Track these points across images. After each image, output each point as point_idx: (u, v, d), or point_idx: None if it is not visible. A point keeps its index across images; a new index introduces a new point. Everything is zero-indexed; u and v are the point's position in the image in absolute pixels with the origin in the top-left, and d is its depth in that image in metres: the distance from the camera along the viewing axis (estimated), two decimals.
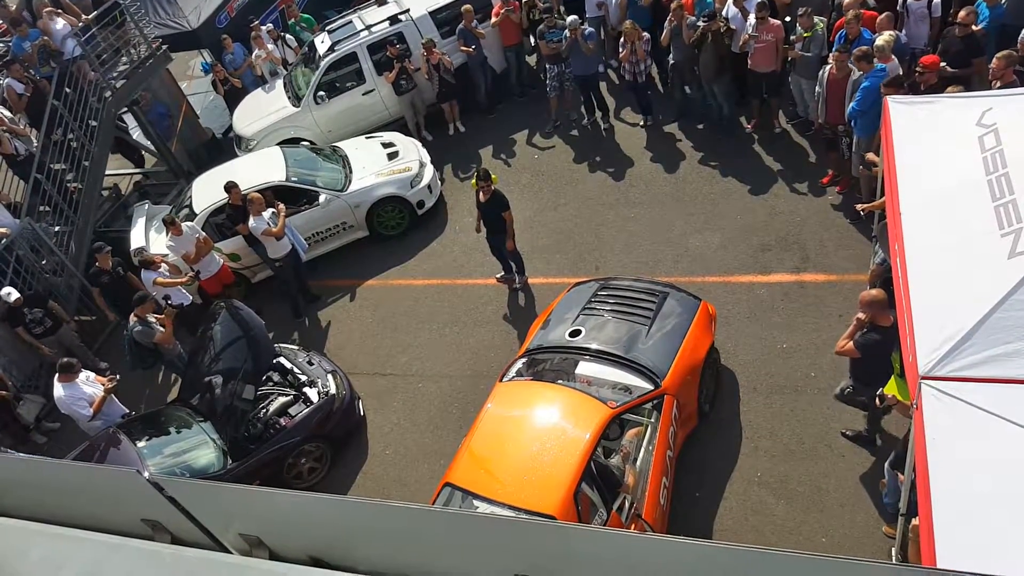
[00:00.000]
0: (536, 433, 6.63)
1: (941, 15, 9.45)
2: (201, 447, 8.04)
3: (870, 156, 8.23)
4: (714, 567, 1.63)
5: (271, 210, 10.05)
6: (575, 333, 7.66)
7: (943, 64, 8.39)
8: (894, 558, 6.13)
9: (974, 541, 4.19)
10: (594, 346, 7.48)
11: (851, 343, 6.37)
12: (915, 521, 5.09)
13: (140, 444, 7.92)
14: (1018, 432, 4.41)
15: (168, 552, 2.01)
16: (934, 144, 6.46)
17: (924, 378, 4.82)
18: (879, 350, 6.21)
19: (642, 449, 6.82)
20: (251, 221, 9.91)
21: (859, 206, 8.39)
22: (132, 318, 9.08)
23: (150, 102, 13.56)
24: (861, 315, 6.32)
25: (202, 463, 7.89)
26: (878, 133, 7.57)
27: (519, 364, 7.65)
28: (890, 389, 6.08)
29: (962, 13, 8.55)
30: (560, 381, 7.24)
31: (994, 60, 7.77)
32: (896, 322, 5.97)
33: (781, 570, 1.57)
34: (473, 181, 9.46)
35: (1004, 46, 8.30)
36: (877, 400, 5.99)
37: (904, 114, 6.92)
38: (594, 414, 6.57)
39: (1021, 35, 8.07)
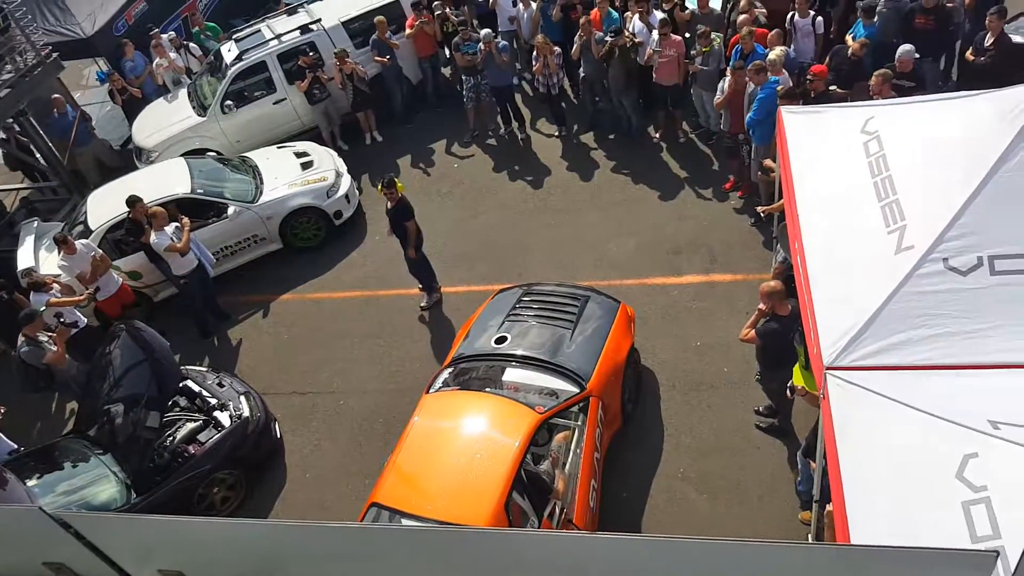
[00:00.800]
0: (465, 444, 6.55)
1: (824, 31, 10.29)
2: (100, 481, 7.50)
3: (767, 162, 8.76)
4: (654, 560, 1.64)
5: (175, 224, 9.59)
6: (501, 340, 7.64)
7: (833, 87, 9.06)
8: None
9: (885, 522, 4.40)
10: (520, 352, 7.47)
11: (752, 331, 6.78)
12: (829, 507, 5.31)
13: (30, 482, 7.32)
14: (915, 415, 4.70)
15: None
16: (824, 150, 6.91)
17: (828, 369, 5.09)
18: (779, 337, 6.58)
19: (570, 453, 6.83)
20: (153, 236, 9.42)
21: (760, 208, 8.92)
22: (20, 337, 8.46)
23: (64, 106, 12.82)
24: (761, 306, 6.67)
25: (102, 499, 7.35)
26: (774, 141, 7.99)
27: (445, 374, 7.56)
28: (798, 380, 6.36)
29: (855, 45, 9.32)
30: (488, 389, 7.19)
31: (873, 78, 8.38)
32: (794, 312, 6.37)
33: (713, 557, 1.61)
34: (379, 187, 9.31)
35: (880, 61, 9.04)
36: (788, 392, 6.24)
37: (796, 123, 7.38)
38: (523, 420, 6.55)
39: (898, 52, 8.78)
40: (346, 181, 11.37)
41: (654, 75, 10.74)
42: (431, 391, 7.37)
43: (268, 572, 1.88)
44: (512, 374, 7.32)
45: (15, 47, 12.09)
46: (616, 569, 1.68)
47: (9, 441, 8.15)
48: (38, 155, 12.96)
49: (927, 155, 6.01)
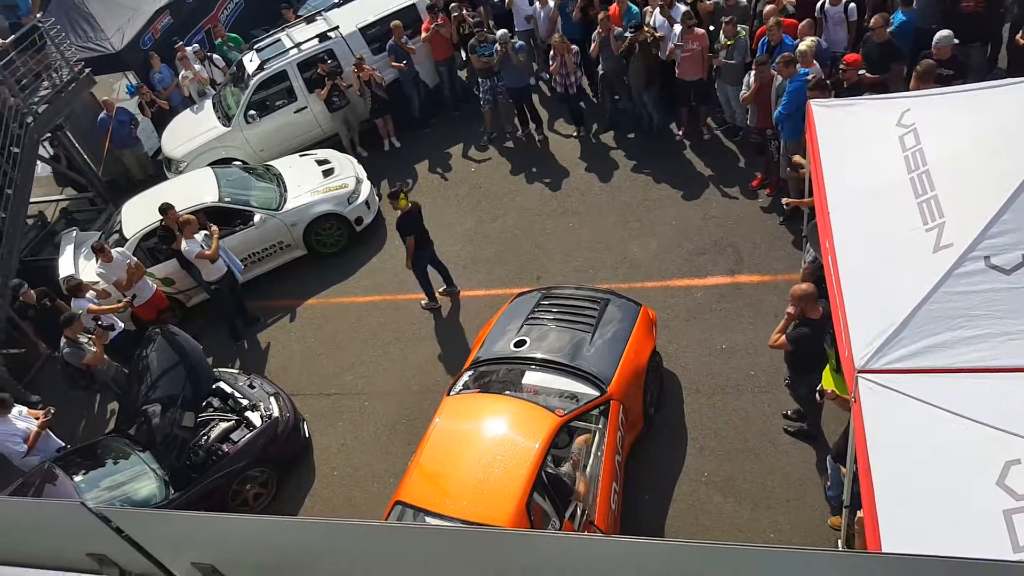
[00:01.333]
0: (486, 445, 6.62)
1: (857, 19, 9.84)
2: (141, 478, 7.77)
3: (797, 158, 8.48)
4: (678, 565, 1.66)
5: (204, 232, 9.82)
6: (520, 343, 7.70)
7: (862, 72, 8.71)
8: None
9: (917, 529, 4.28)
10: (539, 355, 7.52)
11: (783, 337, 6.57)
12: (860, 513, 5.17)
13: (77, 478, 7.63)
14: (952, 420, 4.52)
15: None
16: (857, 145, 6.67)
17: (860, 372, 4.90)
18: (810, 342, 6.45)
19: (591, 455, 6.87)
20: (184, 244, 9.66)
21: (785, 200, 8.67)
22: (62, 339, 8.79)
23: (114, 108, 13.16)
24: (791, 309, 6.52)
25: (143, 494, 7.63)
26: (804, 136, 7.80)
27: (466, 377, 7.64)
28: (828, 384, 6.28)
29: (875, 19, 8.91)
30: (507, 392, 7.24)
31: (912, 79, 8.07)
32: (825, 314, 6.17)
33: (739, 563, 1.62)
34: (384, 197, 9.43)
35: (920, 47, 8.69)
36: (817, 395, 6.17)
37: (827, 117, 7.13)
38: (543, 423, 6.61)
39: (935, 39, 8.38)
40: (366, 188, 11.52)
41: (677, 70, 10.59)
42: (452, 393, 7.46)
43: (296, 567, 1.99)
44: (532, 377, 7.37)
45: (51, 64, 12.44)
46: (638, 572, 1.71)
47: (57, 439, 8.45)
48: (76, 167, 13.32)
49: (969, 147, 5.74)
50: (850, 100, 7.58)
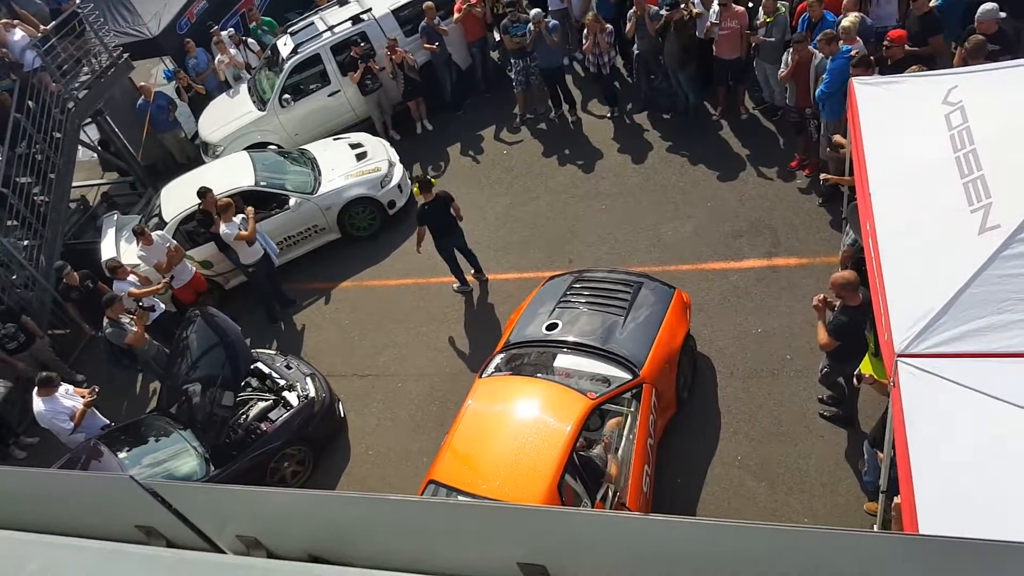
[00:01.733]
0: (517, 427, 6.66)
1: None
2: (182, 455, 7.98)
3: (837, 138, 8.29)
4: (716, 545, 1.66)
5: (241, 216, 9.96)
6: (552, 327, 7.70)
7: (908, 47, 8.41)
8: None
9: (956, 515, 4.21)
10: (571, 338, 7.52)
11: (830, 337, 6.39)
12: (897, 499, 5.08)
13: (121, 454, 7.87)
14: (994, 405, 4.43)
15: (167, 555, 2.01)
16: (901, 123, 6.50)
17: (900, 356, 4.82)
18: (852, 330, 6.33)
19: (623, 438, 6.87)
20: (222, 227, 9.81)
21: (824, 175, 8.45)
22: (104, 319, 9.02)
23: (152, 93, 13.38)
24: (819, 299, 6.42)
25: (184, 471, 7.83)
26: (845, 115, 7.61)
27: (498, 359, 7.68)
28: (866, 368, 6.19)
29: None
30: (539, 375, 7.27)
31: (957, 58, 7.79)
32: (865, 301, 6.05)
33: (775, 544, 1.61)
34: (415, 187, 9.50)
35: (965, 22, 8.36)
36: (855, 380, 6.08)
37: (870, 95, 6.95)
38: (574, 406, 6.63)
39: (979, 12, 8.05)
40: (398, 171, 11.57)
41: (714, 49, 10.41)
42: (484, 376, 7.51)
43: (337, 540, 2.03)
44: (564, 360, 7.37)
45: (90, 50, 12.66)
46: (670, 551, 1.70)
47: (102, 417, 8.70)
48: (115, 151, 13.58)
49: (1018, 125, 5.56)
50: (894, 77, 7.36)
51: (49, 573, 1.97)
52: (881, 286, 5.39)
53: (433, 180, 9.19)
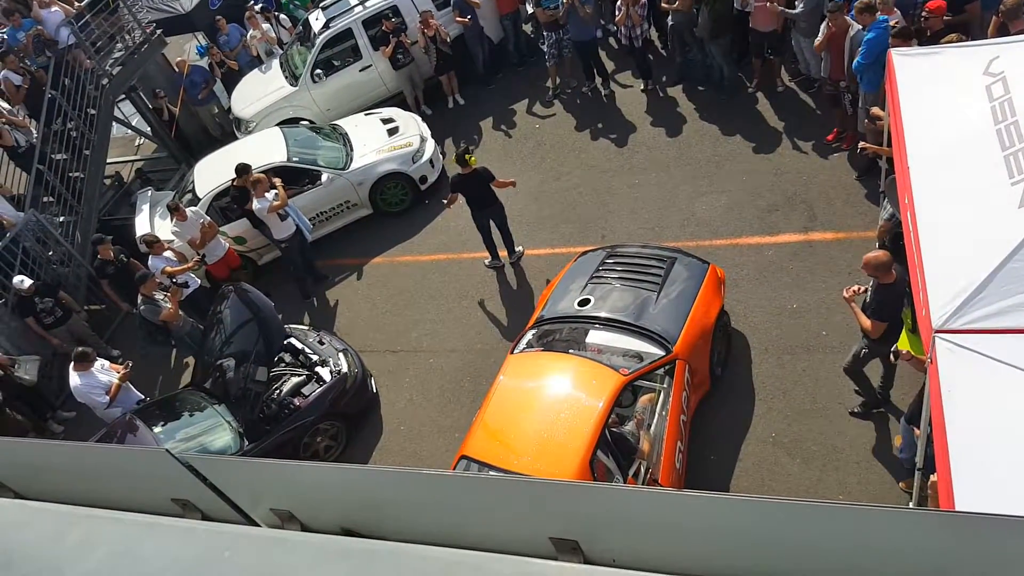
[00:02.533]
0: (549, 403, 6.65)
1: None
2: (217, 429, 8.10)
3: (875, 110, 8.14)
4: (749, 520, 1.64)
5: (274, 191, 10.02)
6: (584, 302, 7.66)
7: (947, 18, 8.17)
8: None
9: (993, 493, 4.16)
10: (603, 314, 7.47)
11: (873, 321, 6.23)
12: (933, 477, 5.06)
13: (156, 429, 7.99)
14: None
15: (203, 528, 2.03)
16: (940, 95, 6.34)
17: (938, 332, 4.76)
18: (891, 309, 6.20)
19: (656, 415, 6.84)
20: (255, 203, 9.88)
21: (863, 144, 8.24)
22: (139, 297, 9.16)
23: (188, 68, 13.46)
24: (849, 293, 6.28)
25: (219, 445, 7.96)
26: (883, 86, 7.45)
27: (529, 335, 7.66)
28: (903, 344, 6.07)
29: None
30: (571, 351, 7.23)
31: (992, 27, 7.58)
32: (900, 278, 5.98)
33: (810, 520, 1.58)
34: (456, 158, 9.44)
35: None
36: (891, 356, 5.97)
37: (909, 66, 6.79)
38: (607, 382, 6.59)
39: None
40: (430, 146, 11.53)
41: (750, 20, 10.20)
42: (515, 352, 7.50)
43: (370, 513, 2.03)
44: (596, 336, 7.33)
45: (124, 26, 12.77)
46: (703, 527, 1.69)
47: (137, 392, 8.86)
48: (148, 128, 13.73)
49: None
50: (934, 48, 7.17)
51: (88, 545, 2.00)
52: (919, 260, 5.31)
53: (469, 156, 9.11)
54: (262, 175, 10.07)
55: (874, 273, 6.19)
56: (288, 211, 10.02)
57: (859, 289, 6.36)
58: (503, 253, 10.01)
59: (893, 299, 6.14)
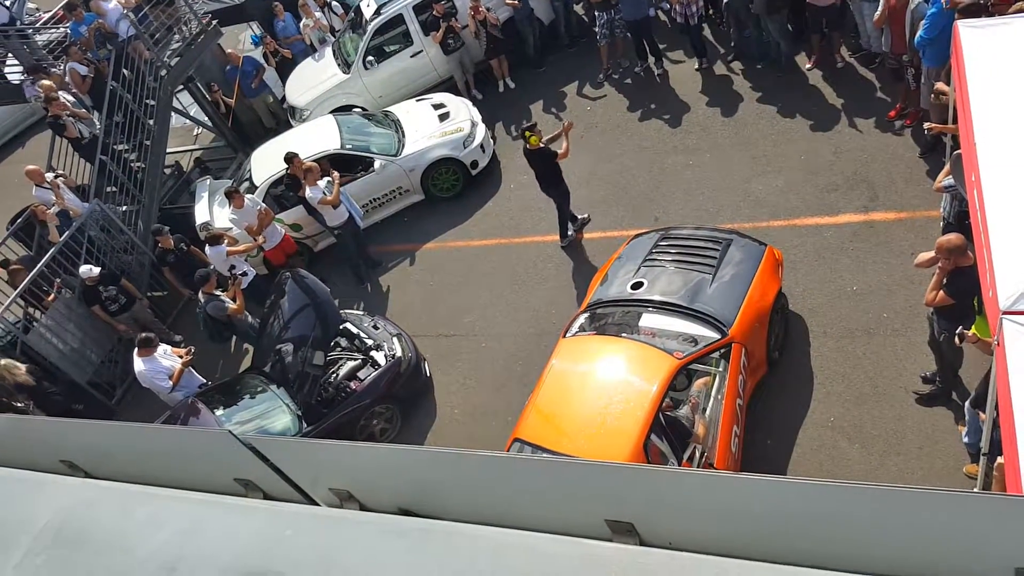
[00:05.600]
0: (603, 387, 6.62)
1: None
2: (276, 412, 8.30)
3: (940, 86, 7.80)
4: (808, 504, 1.61)
5: (327, 179, 10.15)
6: (637, 285, 7.58)
7: None
8: None
9: None
10: (657, 297, 7.39)
11: (942, 292, 6.05)
12: (1000, 460, 4.94)
13: (218, 412, 8.22)
14: None
15: (264, 507, 2.08)
16: (1010, 69, 6.08)
17: (1005, 313, 4.63)
18: (970, 289, 5.94)
19: (711, 398, 6.75)
20: (308, 191, 10.04)
21: (928, 124, 8.00)
22: (201, 295, 9.37)
23: (240, 60, 13.77)
24: (942, 263, 6.02)
25: (278, 427, 8.16)
26: (949, 61, 7.15)
27: (582, 319, 7.63)
28: (976, 329, 5.85)
29: None
30: (624, 334, 7.19)
31: None
32: (975, 258, 5.74)
33: (872, 504, 1.55)
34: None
35: None
36: (956, 338, 5.77)
37: (977, 40, 6.50)
38: (661, 365, 6.53)
39: None
40: (481, 131, 11.51)
41: None
42: (568, 335, 7.47)
43: (426, 493, 2.05)
44: (649, 320, 7.26)
45: (180, 17, 13.05)
46: (760, 510, 1.67)
47: (199, 376, 9.13)
48: (206, 117, 14.04)
49: None
50: (1003, 19, 6.83)
51: (155, 522, 2.07)
52: (986, 240, 5.13)
53: (529, 134, 9.11)
54: (313, 164, 10.22)
55: (948, 256, 5.95)
56: (341, 198, 10.15)
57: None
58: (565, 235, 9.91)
59: (969, 283, 5.87)
